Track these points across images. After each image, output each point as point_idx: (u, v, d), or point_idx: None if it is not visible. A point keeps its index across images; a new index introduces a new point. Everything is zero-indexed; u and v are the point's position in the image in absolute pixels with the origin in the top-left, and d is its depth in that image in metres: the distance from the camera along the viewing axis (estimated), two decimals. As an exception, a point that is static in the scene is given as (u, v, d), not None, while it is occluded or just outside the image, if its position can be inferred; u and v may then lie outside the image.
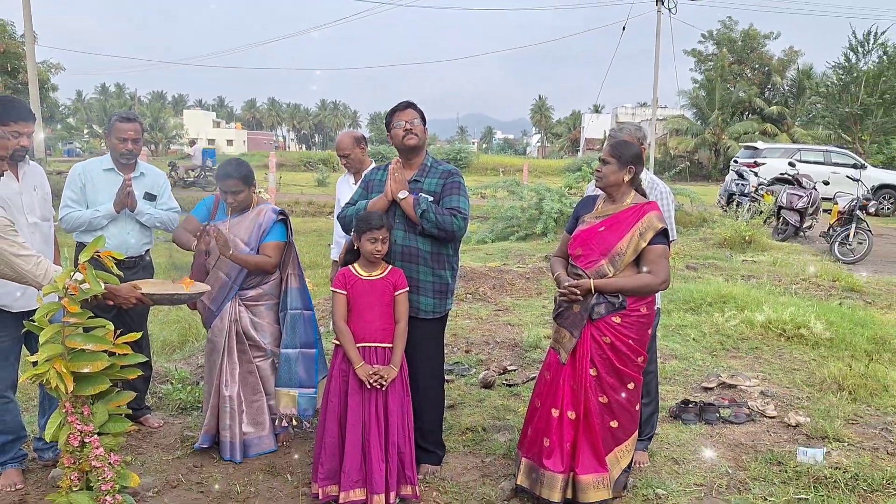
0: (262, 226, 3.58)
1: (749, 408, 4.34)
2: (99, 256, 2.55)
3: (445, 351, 5.46)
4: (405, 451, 3.10)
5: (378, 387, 3.02)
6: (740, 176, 14.88)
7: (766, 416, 4.24)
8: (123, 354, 2.58)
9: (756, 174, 15.22)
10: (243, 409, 3.61)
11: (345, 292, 3.11)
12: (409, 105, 3.29)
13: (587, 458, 2.97)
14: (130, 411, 2.78)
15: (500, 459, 3.61)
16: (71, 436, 2.52)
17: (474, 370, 5.08)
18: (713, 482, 3.39)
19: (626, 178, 3.04)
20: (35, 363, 2.49)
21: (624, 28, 24.25)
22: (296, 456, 3.63)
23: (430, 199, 3.21)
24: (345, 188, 4.56)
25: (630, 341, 2.99)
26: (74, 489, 2.59)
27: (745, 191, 14.02)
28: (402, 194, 3.18)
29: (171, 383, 4.59)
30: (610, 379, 2.99)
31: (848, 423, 4.10)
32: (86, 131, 61.96)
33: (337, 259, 4.44)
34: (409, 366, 3.19)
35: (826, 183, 15.09)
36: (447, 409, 4.24)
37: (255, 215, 3.60)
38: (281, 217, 3.63)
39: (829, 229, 11.12)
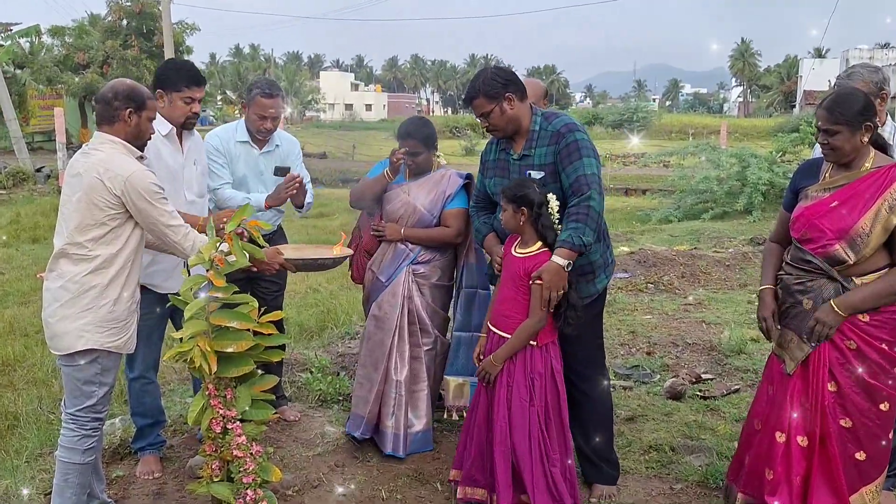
0: (446, 191, 3.79)
1: None
2: (245, 228, 2.74)
3: (622, 351, 5.45)
4: (556, 462, 3.09)
5: (482, 381, 3.14)
6: None
7: None
8: (268, 334, 2.77)
9: None
10: (407, 399, 3.79)
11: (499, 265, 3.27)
12: (472, 97, 3.23)
13: (824, 497, 2.79)
14: (273, 397, 2.99)
15: (693, 487, 3.50)
16: (213, 421, 2.75)
17: (658, 376, 4.98)
18: None
19: (865, 140, 2.76)
20: (180, 340, 2.73)
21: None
22: (446, 465, 3.72)
23: (542, 174, 3.17)
24: None
25: (884, 346, 2.76)
26: (215, 479, 2.83)
27: None
28: (562, 261, 2.99)
29: (311, 372, 4.88)
30: (856, 396, 2.78)
31: None
32: (219, 97, 67.54)
33: None
34: (563, 361, 3.20)
35: None
36: (625, 421, 4.22)
37: (439, 179, 3.81)
38: (466, 181, 3.82)
39: None
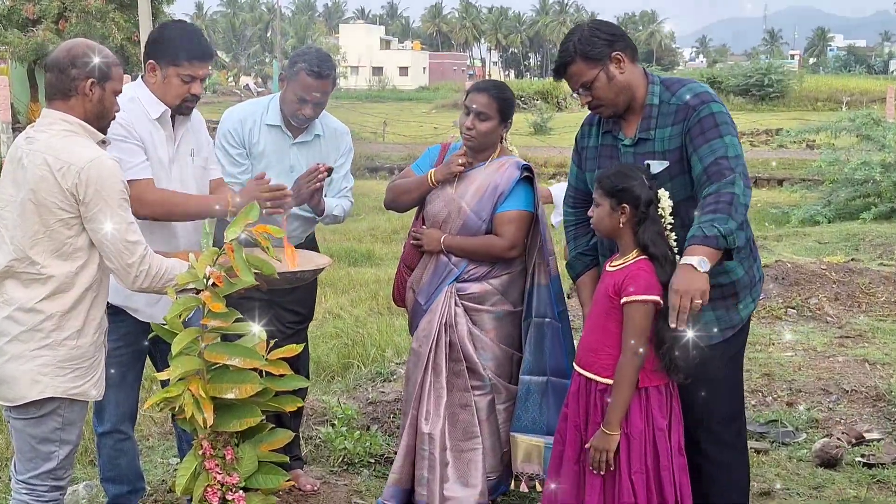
0: (498, 187, 3.78)
1: None
2: (251, 234, 2.79)
3: (754, 401, 5.39)
4: None
5: (595, 468, 3.06)
6: None
7: None
8: (280, 375, 2.82)
9: None
10: (448, 461, 3.81)
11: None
12: (566, 63, 3.20)
13: None
14: (286, 459, 3.02)
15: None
16: (209, 489, 2.81)
17: (804, 436, 4.93)
18: None
19: None
20: (165, 383, 2.79)
21: None
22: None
23: (665, 164, 3.15)
24: None
25: None
26: (211, 567, 2.88)
27: None
28: (694, 260, 2.89)
29: (332, 425, 4.94)
30: None
31: None
32: (208, 61, 68.63)
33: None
34: (685, 414, 3.17)
35: None
36: (759, 496, 4.18)
37: (493, 171, 3.82)
38: (526, 174, 3.82)
39: None
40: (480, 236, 3.79)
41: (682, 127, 3.13)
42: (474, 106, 3.74)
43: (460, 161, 3.75)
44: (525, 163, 3.87)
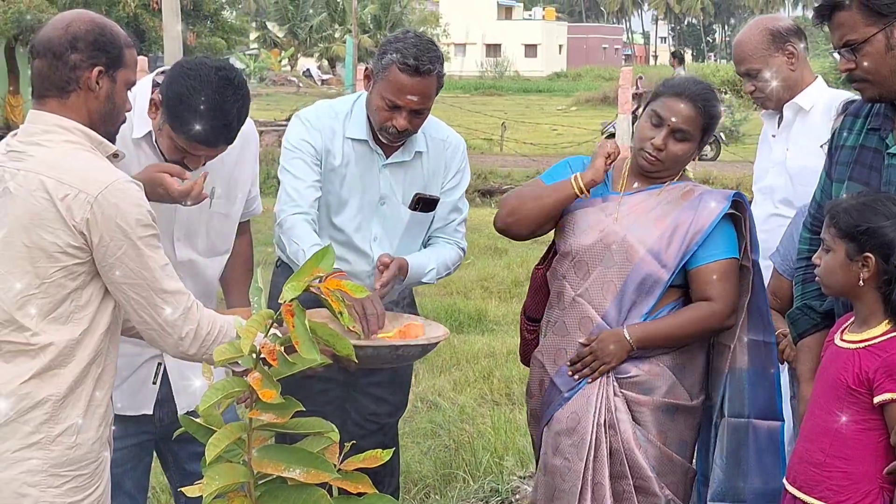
0: (693, 224, 3.74)
1: None
2: (319, 291, 2.81)
3: None
4: None
5: None
6: None
7: None
8: (358, 495, 2.82)
9: None
10: None
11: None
12: (835, 4, 3.16)
13: None
14: None
15: None
16: None
17: None
18: None
19: None
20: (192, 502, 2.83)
21: None
22: None
23: None
24: (763, 148, 4.78)
25: None
26: None
27: None
28: None
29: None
30: None
31: None
32: (253, 36, 69.67)
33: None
34: None
35: None
36: None
37: (678, 197, 3.83)
38: (734, 207, 3.79)
39: None
40: (684, 311, 3.77)
41: None
42: (673, 119, 3.73)
43: (609, 149, 3.76)
44: (734, 192, 3.85)
